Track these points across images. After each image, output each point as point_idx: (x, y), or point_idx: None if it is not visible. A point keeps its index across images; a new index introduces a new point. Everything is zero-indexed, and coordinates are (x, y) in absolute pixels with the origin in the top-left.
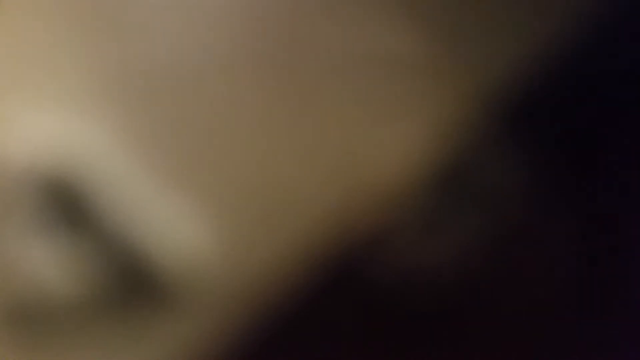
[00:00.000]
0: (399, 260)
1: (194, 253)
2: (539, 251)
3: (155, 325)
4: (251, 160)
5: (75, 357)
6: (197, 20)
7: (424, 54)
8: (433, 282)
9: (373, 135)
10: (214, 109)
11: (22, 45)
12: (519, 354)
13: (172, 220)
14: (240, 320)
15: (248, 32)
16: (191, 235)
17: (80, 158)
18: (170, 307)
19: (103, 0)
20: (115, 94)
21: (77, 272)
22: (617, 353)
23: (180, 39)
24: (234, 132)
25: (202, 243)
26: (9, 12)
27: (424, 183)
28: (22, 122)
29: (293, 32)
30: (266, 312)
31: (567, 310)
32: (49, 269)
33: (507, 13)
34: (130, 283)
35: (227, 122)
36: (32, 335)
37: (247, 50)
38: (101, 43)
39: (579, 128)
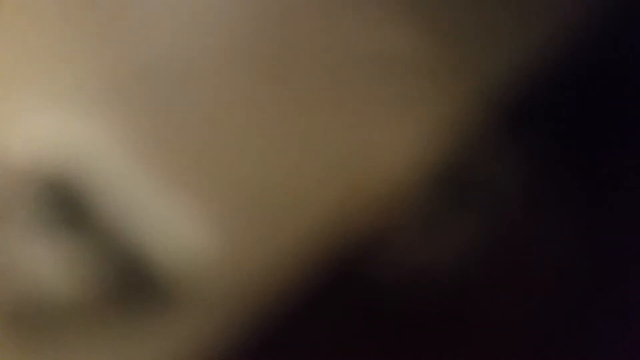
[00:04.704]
0: (399, 259)
1: (194, 252)
2: (538, 251)
3: (155, 325)
4: (251, 160)
5: (75, 357)
6: (196, 20)
7: (424, 54)
8: (433, 281)
9: (373, 135)
10: (213, 109)
11: (22, 45)
12: (519, 353)
13: (172, 220)
14: (240, 320)
15: (246, 32)
16: (191, 234)
17: (81, 158)
18: (170, 307)
19: (102, 0)
20: (115, 94)
21: (77, 272)
22: (617, 353)
23: (180, 39)
24: (234, 131)
25: (202, 242)
26: (9, 12)
27: (424, 183)
28: (21, 123)
29: (292, 32)
30: (266, 312)
31: (567, 309)
32: (49, 268)
33: (507, 13)
34: (131, 283)
35: (227, 121)
36: (33, 335)
37: (246, 49)
38: (100, 43)
39: (578, 127)
